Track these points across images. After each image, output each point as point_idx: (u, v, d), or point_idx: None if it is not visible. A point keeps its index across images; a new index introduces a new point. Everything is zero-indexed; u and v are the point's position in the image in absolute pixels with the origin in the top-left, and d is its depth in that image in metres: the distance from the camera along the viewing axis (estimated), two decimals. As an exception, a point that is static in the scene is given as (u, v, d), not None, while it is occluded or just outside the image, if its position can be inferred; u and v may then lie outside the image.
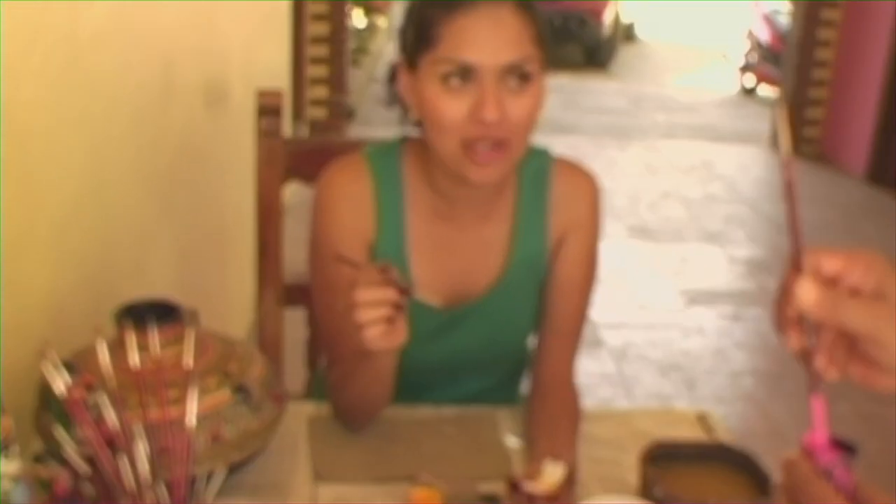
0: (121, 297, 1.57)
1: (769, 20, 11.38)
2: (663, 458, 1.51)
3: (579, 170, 1.89)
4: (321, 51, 8.08)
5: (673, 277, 5.91)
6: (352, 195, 1.80)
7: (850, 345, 0.99)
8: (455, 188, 1.76)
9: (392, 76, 1.80)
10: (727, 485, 1.49)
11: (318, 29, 8.02)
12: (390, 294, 1.49)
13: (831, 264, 0.96)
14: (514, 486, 1.51)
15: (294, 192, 2.13)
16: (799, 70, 8.81)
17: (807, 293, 0.91)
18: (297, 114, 7.61)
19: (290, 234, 2.21)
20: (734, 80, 12.57)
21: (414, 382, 1.87)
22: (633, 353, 4.82)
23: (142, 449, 1.24)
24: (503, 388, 2.04)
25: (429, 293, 1.79)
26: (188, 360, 1.33)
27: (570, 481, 1.52)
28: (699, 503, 1.40)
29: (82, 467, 1.23)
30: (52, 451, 1.31)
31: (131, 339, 1.34)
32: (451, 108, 1.61)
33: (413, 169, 1.83)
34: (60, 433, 1.24)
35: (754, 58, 11.83)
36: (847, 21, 8.52)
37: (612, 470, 1.71)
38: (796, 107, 8.82)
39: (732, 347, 5.00)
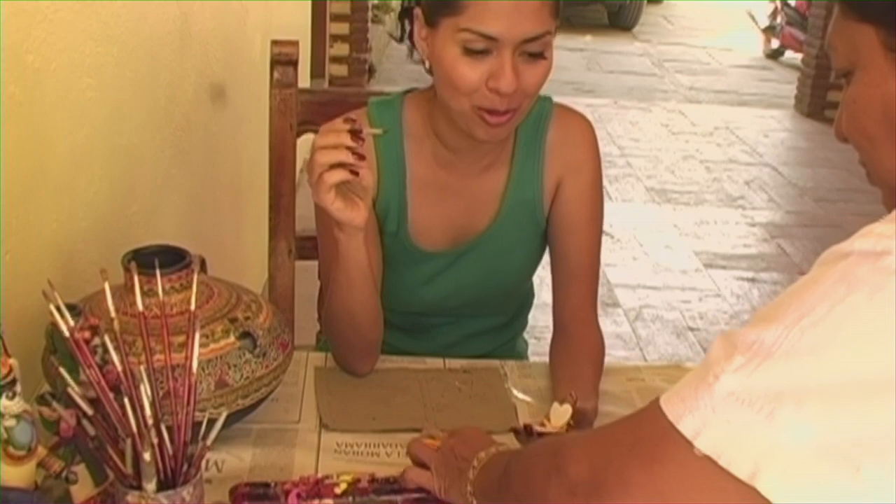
0: (133, 244, 1.57)
1: (798, -18, 11.28)
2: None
3: (574, 115, 1.91)
4: (342, 7, 8.06)
5: (691, 240, 5.88)
6: None
7: None
8: (459, 139, 1.78)
9: (406, 15, 1.80)
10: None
11: (339, -15, 8.00)
12: (344, 138, 1.50)
13: None
14: (526, 429, 1.52)
15: (310, 145, 2.13)
16: (825, 33, 8.66)
17: None
18: (318, 71, 7.60)
19: (305, 186, 2.20)
20: (760, 43, 12.46)
21: (418, 322, 1.94)
22: (649, 315, 4.82)
23: (144, 392, 1.24)
24: (502, 332, 2.08)
25: (426, 238, 1.85)
26: (192, 304, 1.33)
27: (583, 421, 1.53)
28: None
29: (85, 408, 1.23)
30: (58, 393, 1.31)
31: (136, 284, 1.34)
32: (469, 73, 1.63)
33: (415, 119, 1.85)
34: (64, 374, 1.24)
35: (781, 20, 11.71)
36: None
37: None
38: (822, 70, 8.78)
39: (749, 311, 4.98)
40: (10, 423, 1.20)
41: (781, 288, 5.23)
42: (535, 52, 1.64)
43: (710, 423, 0.91)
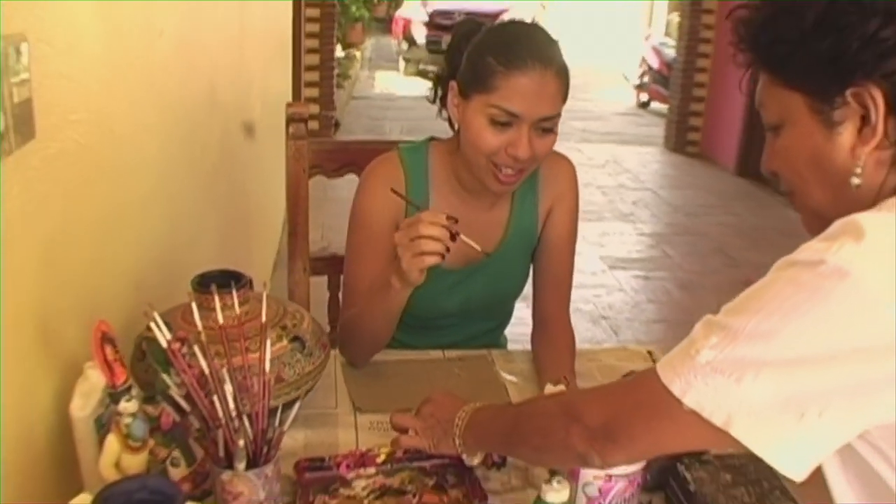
0: (182, 269, 1.54)
1: (658, 51, 11.44)
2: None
3: (560, 156, 1.88)
4: (313, 76, 8.05)
5: (597, 248, 5.88)
6: (387, 181, 1.77)
7: None
8: (474, 182, 1.76)
9: (441, 82, 1.81)
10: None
11: (310, 59, 7.97)
12: (446, 235, 1.48)
13: None
14: None
15: (315, 184, 2.10)
16: (683, 89, 8.92)
17: None
18: (297, 125, 7.56)
19: (313, 218, 2.17)
20: (633, 96, 12.60)
21: (435, 325, 1.92)
22: (571, 307, 4.76)
23: (228, 389, 1.19)
24: (494, 331, 2.05)
25: (447, 256, 1.80)
26: (263, 316, 1.28)
27: None
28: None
29: (184, 405, 1.18)
30: (155, 393, 1.25)
31: (216, 301, 1.29)
32: (492, 140, 1.63)
33: (437, 163, 1.83)
34: (166, 379, 1.19)
35: (647, 79, 11.87)
36: (718, 52, 8.60)
37: (588, 397, 1.69)
38: (682, 117, 8.92)
39: (645, 302, 5.00)
40: (129, 420, 1.16)
41: (668, 283, 5.28)
42: (547, 127, 1.64)
43: (693, 385, 0.95)
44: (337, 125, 8.81)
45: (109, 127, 1.59)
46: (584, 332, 4.52)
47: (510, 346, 2.08)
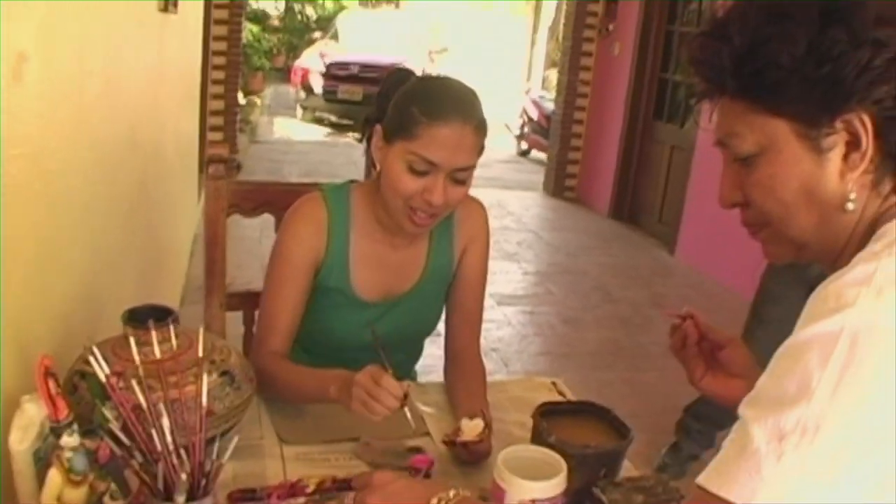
0: (105, 303, 1.48)
1: (537, 103, 11.57)
2: (548, 413, 1.48)
3: (473, 200, 1.90)
4: (218, 121, 7.91)
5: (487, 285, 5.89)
6: (311, 220, 1.76)
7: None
8: (392, 223, 1.74)
9: (369, 124, 1.79)
10: (597, 432, 1.48)
11: (215, 105, 7.83)
12: (394, 405, 1.42)
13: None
14: (450, 442, 1.48)
15: (236, 223, 2.06)
16: (561, 139, 9.02)
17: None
18: (200, 166, 7.43)
19: (230, 256, 2.11)
20: (513, 145, 12.77)
21: (349, 358, 1.81)
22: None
23: (165, 423, 1.14)
24: (409, 362, 2.04)
25: (364, 292, 1.80)
26: (200, 350, 1.23)
27: (488, 427, 1.50)
28: (583, 446, 1.37)
29: (124, 439, 1.12)
30: (88, 428, 1.19)
31: (153, 337, 1.24)
32: (409, 185, 1.62)
33: (359, 203, 1.80)
34: (105, 413, 1.13)
35: (527, 129, 12.04)
36: (593, 106, 8.80)
37: (501, 426, 1.68)
38: (560, 165, 9.07)
39: (532, 335, 5.03)
40: (70, 454, 1.10)
41: (552, 318, 5.33)
42: (461, 178, 1.64)
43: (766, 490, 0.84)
44: (239, 167, 8.67)
45: (43, 162, 1.52)
46: (477, 364, 4.51)
47: (421, 379, 2.06)
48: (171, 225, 3.20)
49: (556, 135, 9.19)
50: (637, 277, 6.31)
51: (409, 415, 1.45)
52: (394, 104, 1.67)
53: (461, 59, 17.02)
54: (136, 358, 1.18)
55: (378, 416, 1.42)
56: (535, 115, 11.58)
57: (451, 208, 1.70)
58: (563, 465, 1.25)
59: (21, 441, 1.14)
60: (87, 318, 1.84)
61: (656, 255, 6.97)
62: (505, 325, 5.17)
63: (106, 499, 1.16)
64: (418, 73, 1.78)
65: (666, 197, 7.38)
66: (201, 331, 1.29)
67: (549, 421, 1.44)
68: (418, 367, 2.09)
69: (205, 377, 1.19)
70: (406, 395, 1.43)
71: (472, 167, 1.65)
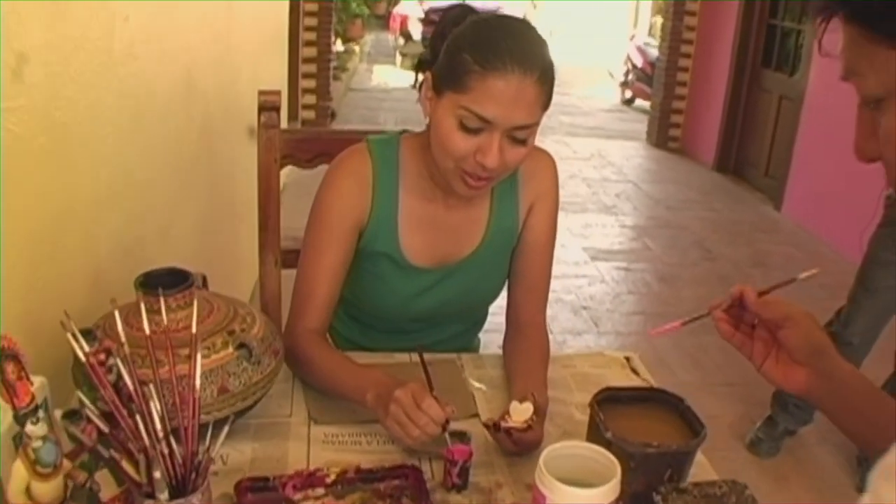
0: (149, 262, 1.34)
1: (642, 50, 11.20)
2: (609, 401, 1.29)
3: (541, 151, 1.66)
4: (311, 68, 7.85)
5: (580, 239, 5.68)
6: (354, 174, 1.56)
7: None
8: (446, 181, 1.51)
9: (420, 68, 1.54)
10: (666, 425, 1.27)
11: (308, 52, 7.78)
12: (438, 432, 1.26)
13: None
14: (494, 426, 1.30)
15: (289, 174, 1.90)
16: (666, 87, 8.70)
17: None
18: (293, 115, 7.40)
19: (287, 208, 1.97)
20: (617, 94, 12.38)
21: (401, 329, 1.70)
22: (552, 298, 4.56)
23: (154, 408, 0.99)
24: (467, 334, 1.84)
25: (416, 258, 1.60)
26: (193, 327, 1.08)
27: (539, 413, 1.32)
28: (644, 444, 1.17)
29: (101, 426, 0.98)
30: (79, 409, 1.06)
31: (142, 308, 1.09)
32: (460, 144, 1.39)
33: (409, 157, 1.59)
34: (81, 396, 0.99)
35: (631, 77, 11.65)
36: (698, 53, 8.41)
37: (561, 408, 1.51)
38: (664, 114, 8.71)
39: (625, 293, 4.80)
40: (37, 444, 0.97)
41: (648, 275, 5.08)
42: (520, 137, 1.40)
43: None
44: (333, 115, 8.61)
45: (51, 115, 1.39)
46: (565, 323, 4.33)
47: (482, 351, 1.88)
48: (247, 180, 3.08)
49: (659, 83, 8.85)
50: (739, 234, 5.97)
51: (447, 437, 1.27)
52: (445, 48, 1.43)
53: (565, 5, 16.59)
54: (122, 334, 1.04)
55: (414, 442, 1.26)
56: (639, 62, 11.19)
57: (509, 171, 1.47)
58: (618, 468, 1.05)
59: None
60: (123, 279, 1.72)
61: (761, 211, 6.59)
62: (598, 281, 4.94)
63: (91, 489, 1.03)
64: (501, 13, 1.49)
65: (773, 149, 6.98)
66: (195, 303, 1.14)
67: (610, 411, 1.25)
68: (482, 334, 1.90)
69: (198, 356, 1.04)
70: (447, 422, 1.26)
71: (534, 125, 1.41)
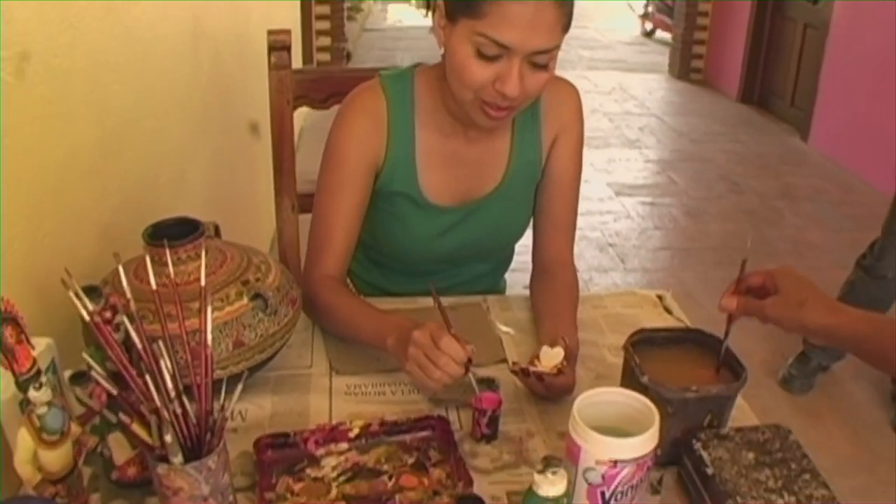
0: (163, 211, 1.28)
1: (663, -21, 10.93)
2: (643, 343, 1.22)
3: (563, 81, 1.57)
4: (324, 9, 7.70)
5: (603, 174, 5.57)
6: (367, 112, 1.48)
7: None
8: (464, 114, 1.43)
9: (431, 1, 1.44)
10: (704, 368, 1.21)
11: (322, -8, 7.62)
12: (461, 372, 1.20)
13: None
14: (523, 371, 1.24)
15: (303, 116, 1.82)
16: (687, 18, 8.47)
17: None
18: (307, 58, 7.27)
19: (305, 151, 1.90)
20: (637, 26, 12.11)
21: (423, 270, 1.63)
22: (577, 234, 4.49)
23: (164, 366, 0.94)
24: (492, 274, 1.77)
25: (436, 196, 1.53)
26: (202, 278, 1.02)
27: (569, 357, 1.27)
28: (682, 389, 1.11)
29: (109, 388, 0.93)
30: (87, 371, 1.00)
31: (147, 262, 1.04)
32: (477, 73, 1.30)
33: (424, 91, 1.51)
34: (86, 358, 0.94)
35: (652, 9, 11.38)
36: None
37: (593, 350, 1.45)
38: (686, 45, 8.51)
39: (651, 228, 4.70)
40: (42, 410, 0.92)
41: (674, 209, 4.98)
42: (541, 63, 1.31)
43: None
44: (349, 56, 8.46)
45: (50, 63, 1.32)
46: (591, 260, 4.26)
47: (509, 291, 1.81)
48: (261, 123, 3.01)
49: (681, 13, 8.63)
50: (766, 166, 5.82)
51: (473, 382, 1.21)
52: None
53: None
54: (127, 290, 0.98)
55: (437, 384, 1.20)
56: (660, -9, 10.90)
57: (531, 99, 1.39)
58: (656, 415, 0.99)
59: (5, 389, 0.97)
60: (134, 230, 1.67)
61: (787, 142, 6.43)
62: (623, 217, 4.85)
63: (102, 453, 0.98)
64: None
65: (799, 79, 6.78)
66: (203, 253, 1.07)
67: (645, 354, 1.19)
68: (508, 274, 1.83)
69: (209, 311, 0.98)
70: (469, 361, 1.20)
71: (554, 49, 1.31)
